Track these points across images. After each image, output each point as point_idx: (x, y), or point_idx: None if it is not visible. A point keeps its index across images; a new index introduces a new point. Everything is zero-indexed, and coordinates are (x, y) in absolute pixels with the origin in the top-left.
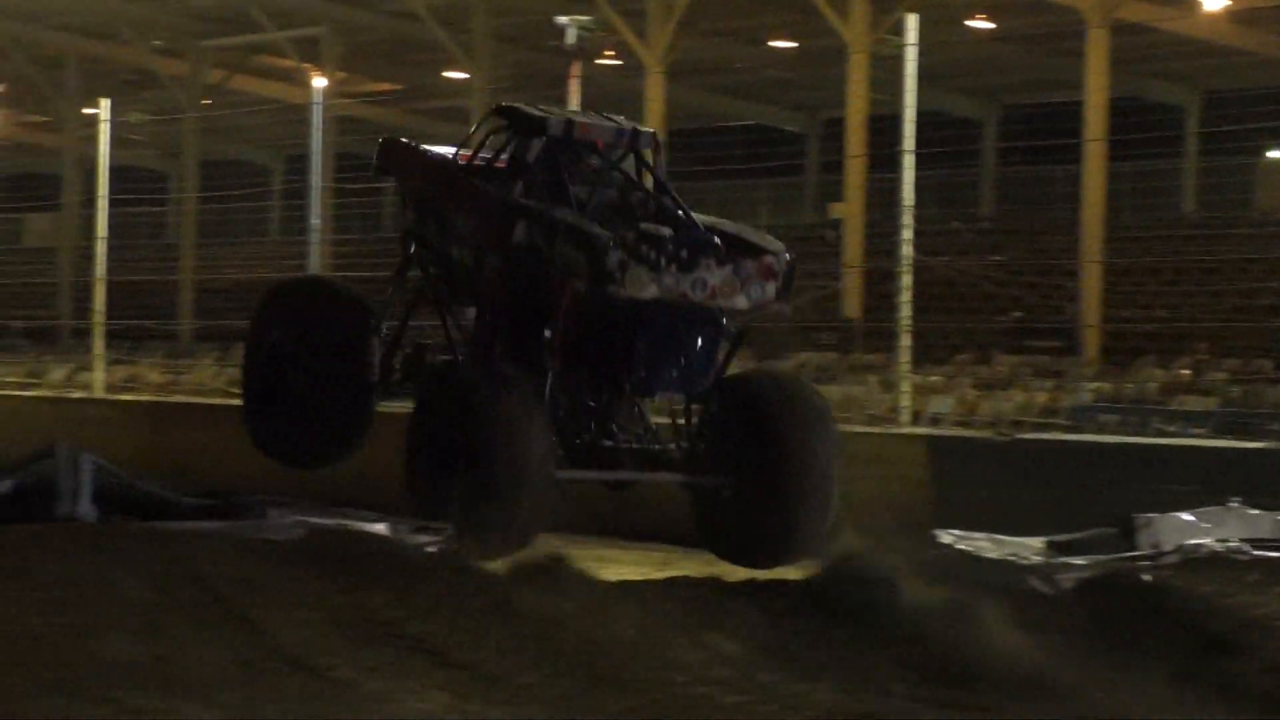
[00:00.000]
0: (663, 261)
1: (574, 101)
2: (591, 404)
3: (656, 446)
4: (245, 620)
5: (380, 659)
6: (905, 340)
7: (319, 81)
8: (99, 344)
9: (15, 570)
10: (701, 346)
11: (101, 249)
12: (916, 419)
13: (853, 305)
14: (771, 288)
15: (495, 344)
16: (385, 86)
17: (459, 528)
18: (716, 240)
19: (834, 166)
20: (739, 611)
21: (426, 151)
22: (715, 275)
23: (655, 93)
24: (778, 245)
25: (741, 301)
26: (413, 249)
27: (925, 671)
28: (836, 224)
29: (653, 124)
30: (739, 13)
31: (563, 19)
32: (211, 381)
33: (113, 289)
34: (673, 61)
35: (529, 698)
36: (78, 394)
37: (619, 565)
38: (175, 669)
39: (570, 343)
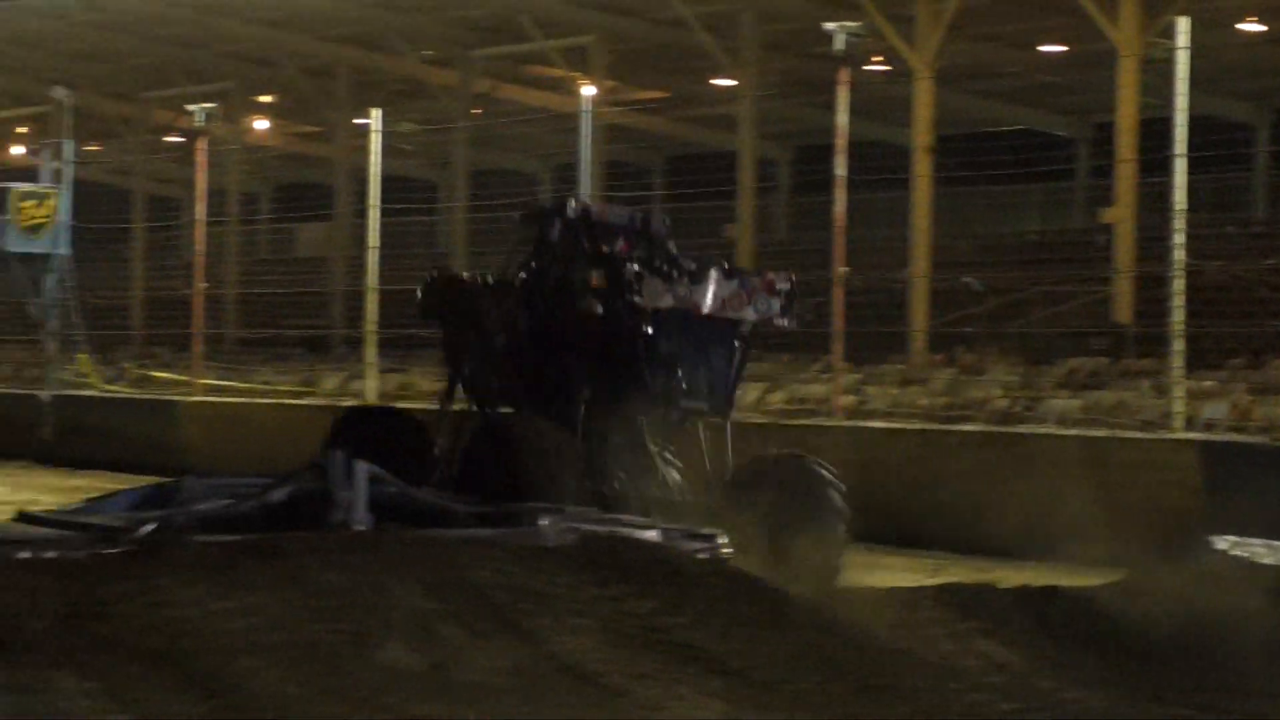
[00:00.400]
0: (675, 274)
1: (842, 109)
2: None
3: (677, 499)
4: (519, 628)
5: (653, 666)
6: (1178, 345)
7: (587, 90)
8: (371, 352)
9: (292, 578)
10: (719, 357)
11: (373, 258)
12: (1189, 424)
13: (1124, 310)
14: (776, 303)
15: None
16: (653, 94)
17: None
18: (724, 262)
19: (1104, 171)
20: (1013, 618)
21: (460, 277)
22: (724, 288)
23: (924, 98)
24: (784, 274)
25: (749, 313)
26: (454, 376)
27: (1201, 680)
28: (1107, 229)
29: (920, 130)
30: (1008, 17)
31: (831, 25)
32: None
33: (384, 297)
34: (941, 66)
35: (802, 704)
36: (350, 402)
37: (891, 571)
38: (451, 676)
39: (603, 366)
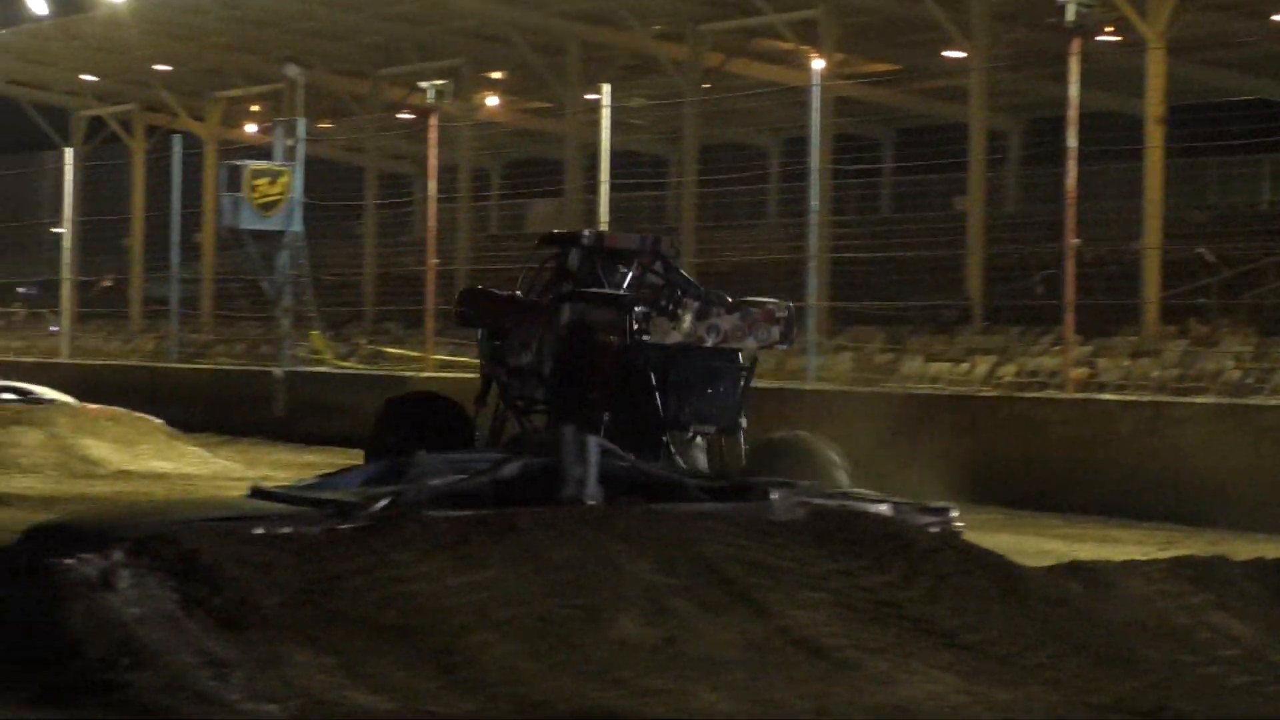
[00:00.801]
0: (680, 312)
1: (1073, 80)
2: (643, 452)
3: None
4: (751, 601)
5: (885, 640)
6: None
7: (817, 63)
8: None
9: (525, 553)
10: (726, 383)
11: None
12: None
13: None
14: (776, 331)
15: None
16: (883, 67)
17: None
18: (726, 297)
19: None
20: (1247, 591)
21: (492, 292)
22: (726, 322)
23: (1156, 68)
24: (781, 302)
25: (750, 343)
26: (489, 377)
27: None
28: None
29: (1152, 100)
30: None
31: None
32: None
33: None
34: (1173, 36)
35: (1036, 678)
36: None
37: (1123, 545)
38: (683, 650)
39: (620, 394)
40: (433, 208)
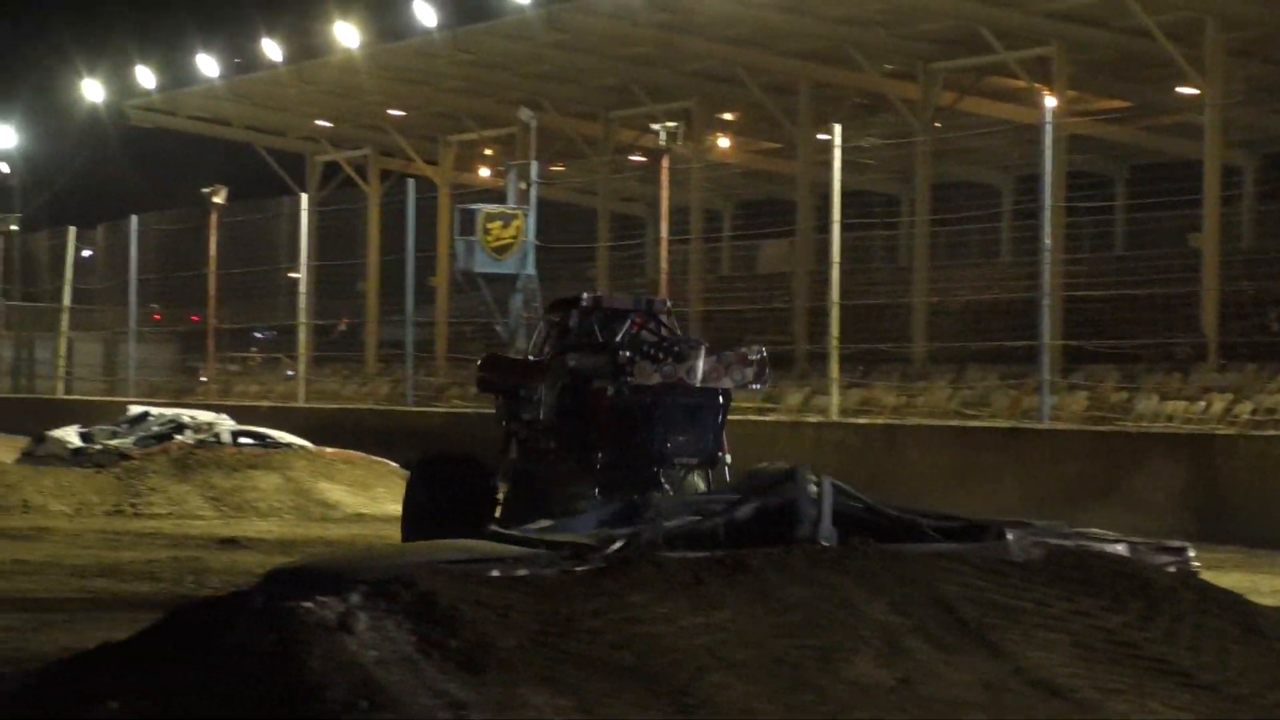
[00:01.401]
0: (662, 356)
1: None
2: (634, 484)
3: None
4: (987, 642)
5: (1123, 680)
6: None
7: (1049, 101)
8: (834, 368)
9: (759, 594)
10: (705, 419)
11: (835, 274)
12: None
13: None
14: (750, 372)
15: (550, 459)
16: (1116, 104)
17: None
18: (705, 343)
19: None
20: None
21: (507, 358)
22: (704, 364)
23: None
24: (755, 346)
25: (727, 382)
26: (508, 434)
27: None
28: None
29: None
30: None
31: None
32: (945, 404)
33: (847, 313)
34: None
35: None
36: (814, 418)
37: None
38: (918, 691)
39: (600, 432)
40: (664, 249)
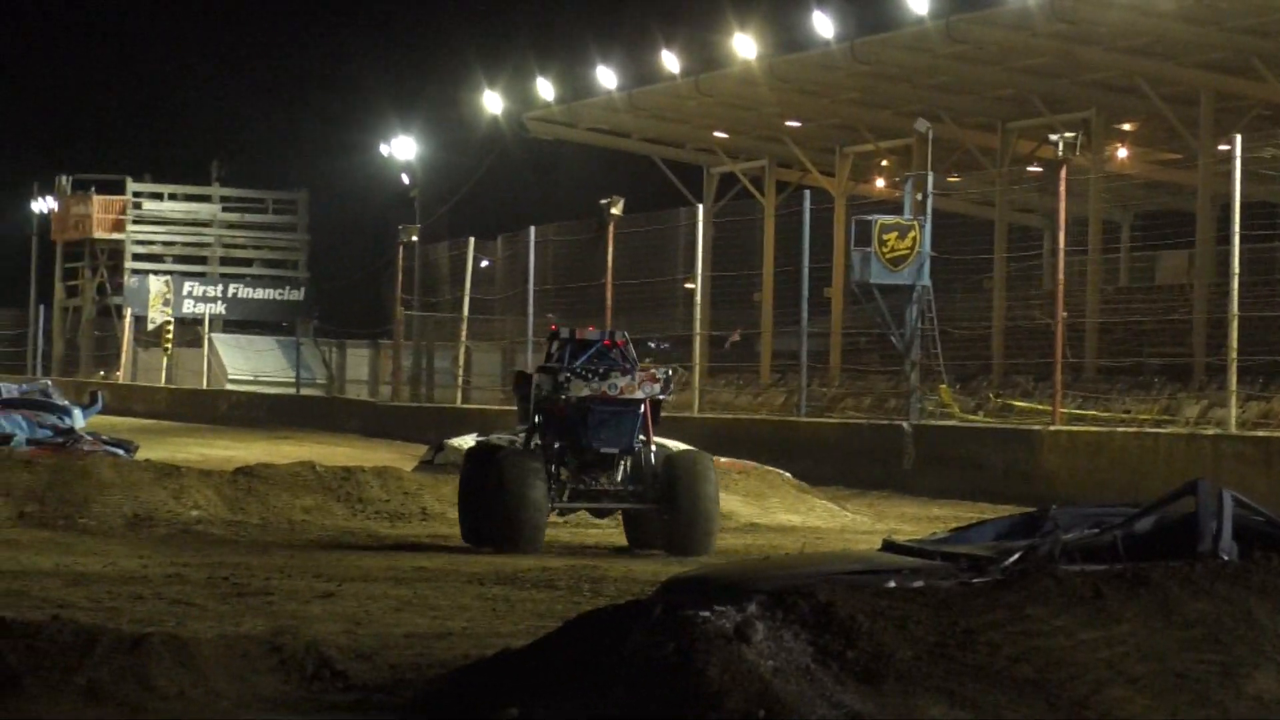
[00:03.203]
0: (590, 376)
1: None
2: (578, 465)
3: (627, 488)
4: None
5: None
6: None
7: None
8: (1233, 380)
9: (1159, 608)
10: (625, 421)
11: (1234, 285)
12: None
13: None
14: (657, 386)
15: (534, 443)
16: None
17: (495, 543)
18: (628, 366)
19: None
20: None
21: (525, 373)
22: (621, 381)
23: None
24: (664, 368)
25: (640, 394)
26: (535, 424)
27: None
28: None
29: None
30: None
31: None
32: None
33: (1246, 325)
34: None
35: None
36: (1211, 431)
37: None
38: None
39: (559, 429)
40: (1061, 261)
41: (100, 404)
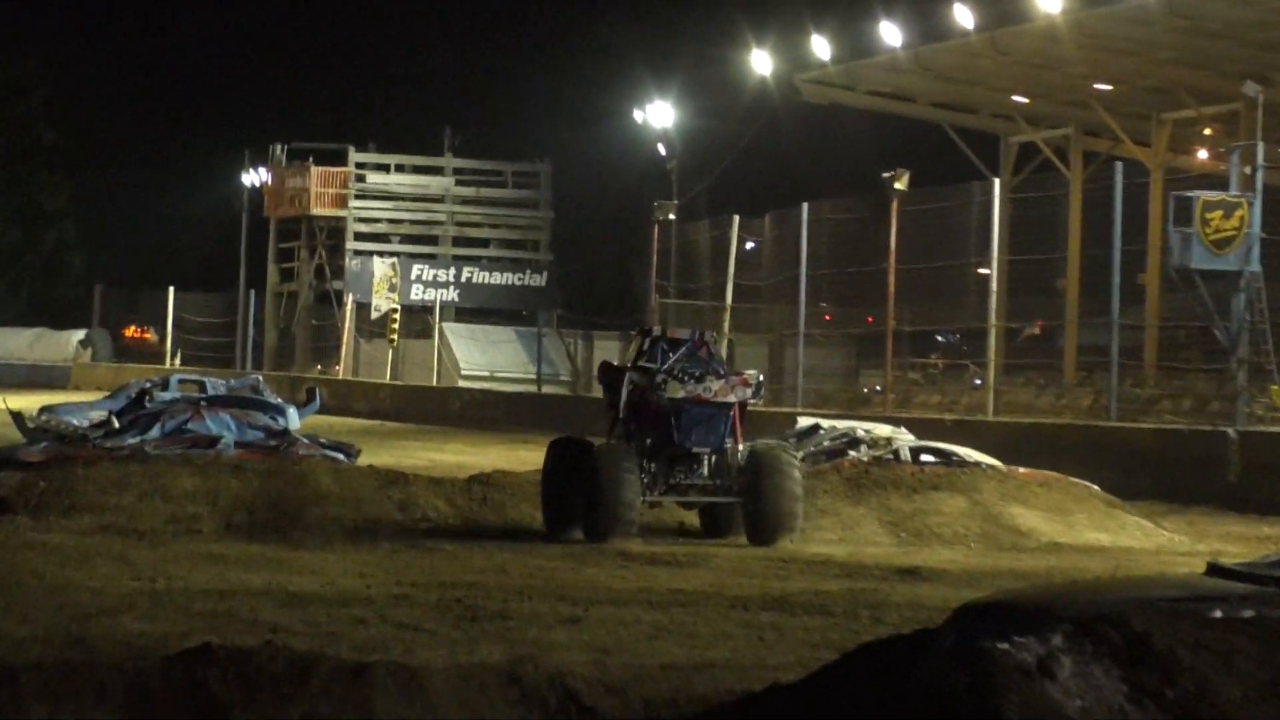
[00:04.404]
0: (686, 379)
1: None
2: (669, 461)
3: (714, 482)
4: None
5: None
6: None
7: None
8: None
9: None
10: (717, 423)
11: None
12: None
13: None
14: (749, 390)
15: (629, 437)
16: None
17: (586, 533)
18: (721, 370)
19: None
20: None
21: (612, 364)
22: (716, 384)
23: None
24: (755, 372)
25: (733, 397)
26: (618, 417)
27: None
28: None
29: None
30: None
31: None
32: None
33: None
34: None
35: None
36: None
37: None
38: None
39: (652, 426)
40: None
41: (318, 402)
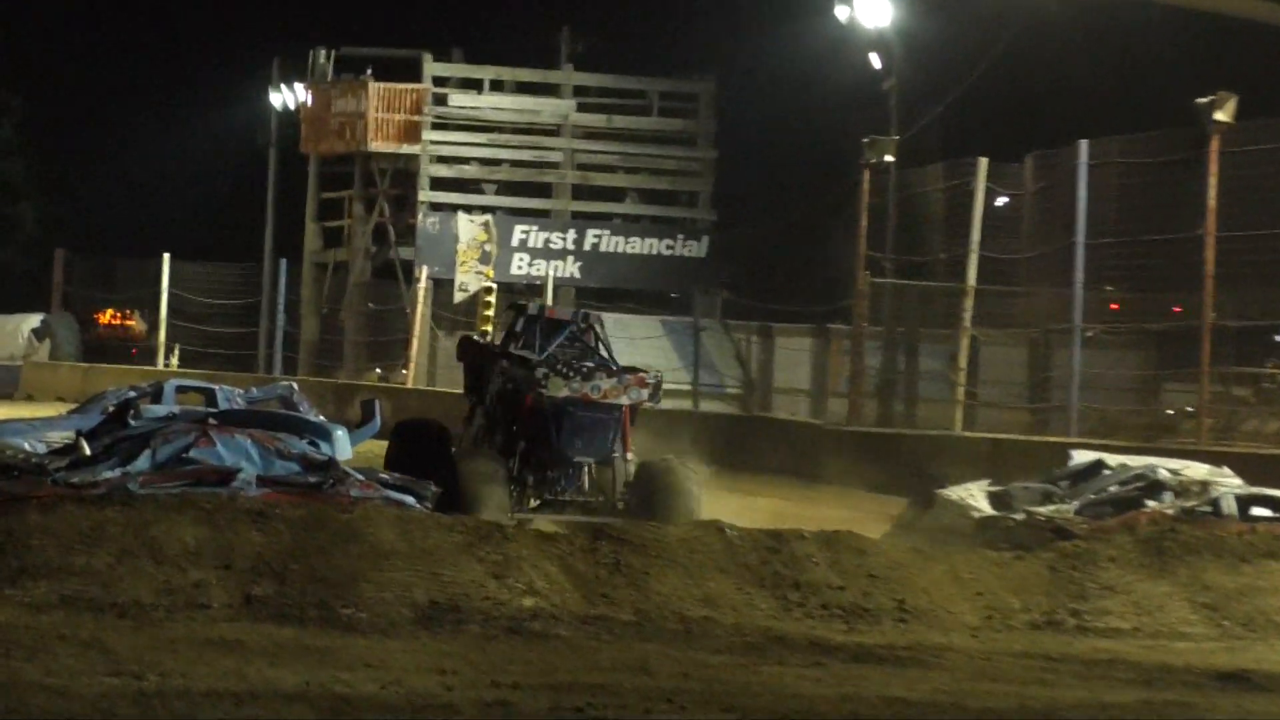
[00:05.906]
0: (571, 375)
1: None
2: (545, 470)
3: (597, 498)
4: None
5: None
6: None
7: None
8: None
9: None
10: (604, 428)
11: None
12: None
13: None
14: (645, 391)
15: (493, 431)
16: None
17: None
18: (612, 365)
19: None
20: None
21: (477, 341)
22: (606, 383)
23: None
24: (654, 369)
25: (625, 399)
26: (472, 405)
27: None
28: None
29: None
30: None
31: None
32: None
33: None
34: None
35: None
36: None
37: None
38: None
39: (527, 427)
40: None
41: (378, 420)
